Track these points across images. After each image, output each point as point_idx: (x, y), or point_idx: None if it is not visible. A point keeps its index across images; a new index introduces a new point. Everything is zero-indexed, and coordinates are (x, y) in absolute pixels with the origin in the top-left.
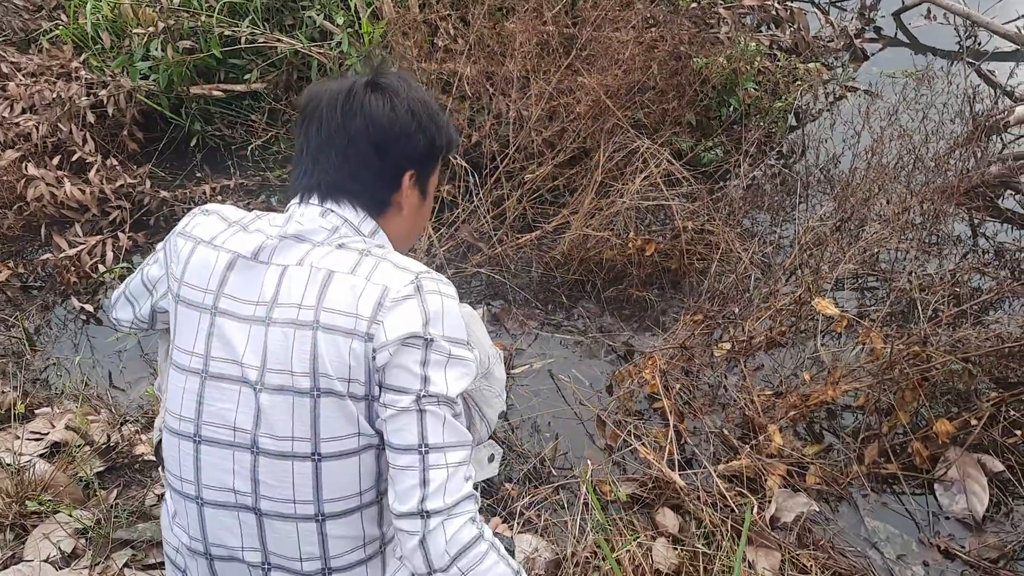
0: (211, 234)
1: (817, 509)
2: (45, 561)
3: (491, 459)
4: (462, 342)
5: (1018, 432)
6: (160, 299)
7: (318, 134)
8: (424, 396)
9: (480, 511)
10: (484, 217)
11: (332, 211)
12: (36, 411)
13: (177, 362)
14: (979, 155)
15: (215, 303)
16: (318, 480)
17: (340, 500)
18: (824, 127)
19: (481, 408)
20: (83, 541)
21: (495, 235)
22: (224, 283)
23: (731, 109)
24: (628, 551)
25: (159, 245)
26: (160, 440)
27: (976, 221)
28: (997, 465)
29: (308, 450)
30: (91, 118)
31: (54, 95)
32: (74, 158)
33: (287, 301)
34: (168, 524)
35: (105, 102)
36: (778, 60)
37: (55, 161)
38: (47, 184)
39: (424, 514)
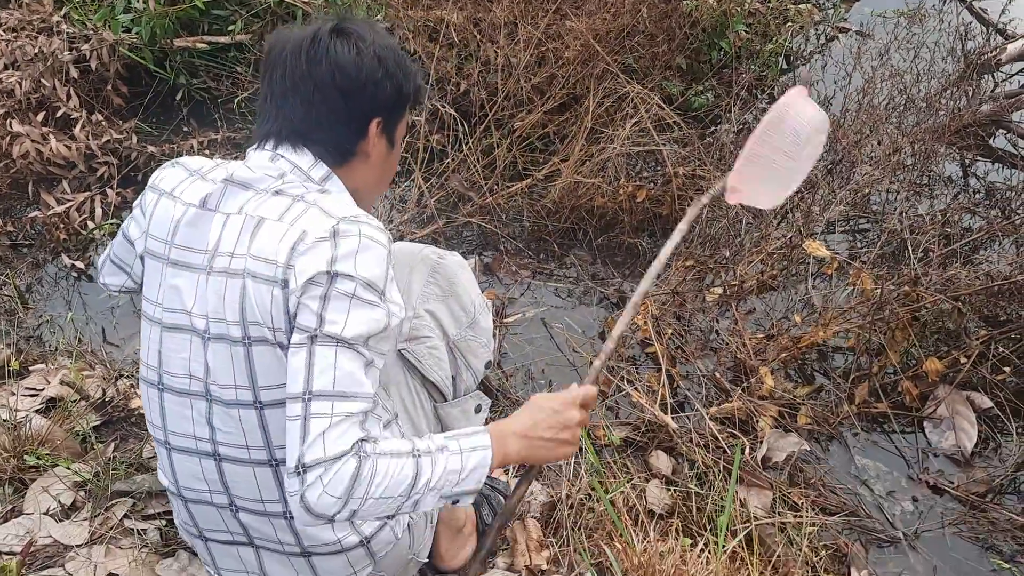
0: (172, 185)
1: (808, 448)
2: (45, 514)
3: (478, 409)
4: (374, 287)
5: (1007, 369)
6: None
7: (282, 80)
8: (317, 335)
9: None
10: (474, 166)
11: (282, 156)
12: (30, 368)
13: (144, 312)
14: (971, 94)
15: (169, 253)
16: (264, 427)
17: None
18: (815, 69)
19: (467, 358)
20: (82, 494)
21: (485, 184)
22: (176, 233)
23: (721, 52)
24: (622, 492)
25: (136, 201)
26: None
27: (967, 161)
28: (986, 402)
29: (250, 398)
30: (74, 73)
31: (36, 50)
32: (59, 114)
33: (224, 250)
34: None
35: (88, 56)
36: (769, 1)
37: (39, 117)
38: (32, 141)
39: (301, 469)
